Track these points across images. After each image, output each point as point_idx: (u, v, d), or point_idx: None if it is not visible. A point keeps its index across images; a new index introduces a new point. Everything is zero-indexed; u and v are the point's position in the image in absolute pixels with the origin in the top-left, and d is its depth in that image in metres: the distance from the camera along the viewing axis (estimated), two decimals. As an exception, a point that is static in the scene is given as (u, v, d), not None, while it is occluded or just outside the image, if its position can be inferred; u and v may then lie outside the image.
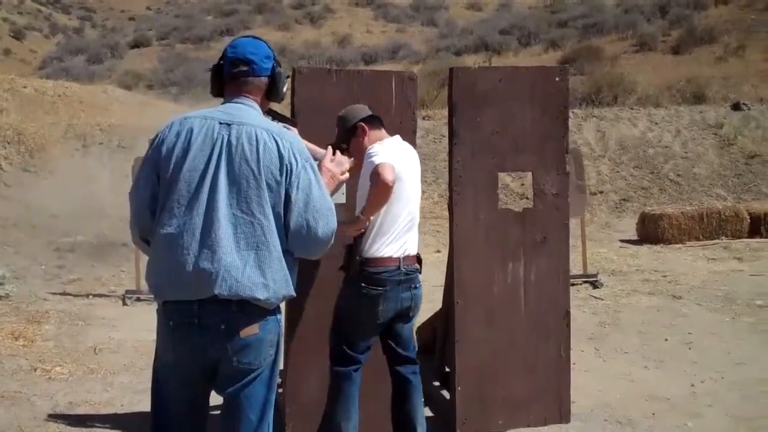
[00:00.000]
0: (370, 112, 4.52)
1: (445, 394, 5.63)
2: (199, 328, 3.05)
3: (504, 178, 13.24)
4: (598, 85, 21.29)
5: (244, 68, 3.26)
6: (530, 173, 5.28)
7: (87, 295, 8.66)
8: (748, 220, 11.56)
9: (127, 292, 8.56)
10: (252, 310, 3.08)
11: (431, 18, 51.49)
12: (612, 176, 14.69)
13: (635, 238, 12.21)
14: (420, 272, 4.46)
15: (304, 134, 4.90)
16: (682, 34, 33.34)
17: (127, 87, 31.67)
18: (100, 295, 8.70)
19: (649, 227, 11.85)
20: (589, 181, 13.67)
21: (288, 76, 3.45)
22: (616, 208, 13.98)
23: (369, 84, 5.04)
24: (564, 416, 5.34)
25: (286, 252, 3.15)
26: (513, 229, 5.18)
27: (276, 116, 3.67)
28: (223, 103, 3.27)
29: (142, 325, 7.60)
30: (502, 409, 5.25)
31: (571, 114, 15.67)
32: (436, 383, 5.82)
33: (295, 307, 5.02)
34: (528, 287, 5.21)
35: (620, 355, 6.73)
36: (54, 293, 8.80)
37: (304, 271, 4.96)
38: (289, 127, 3.71)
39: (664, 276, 9.51)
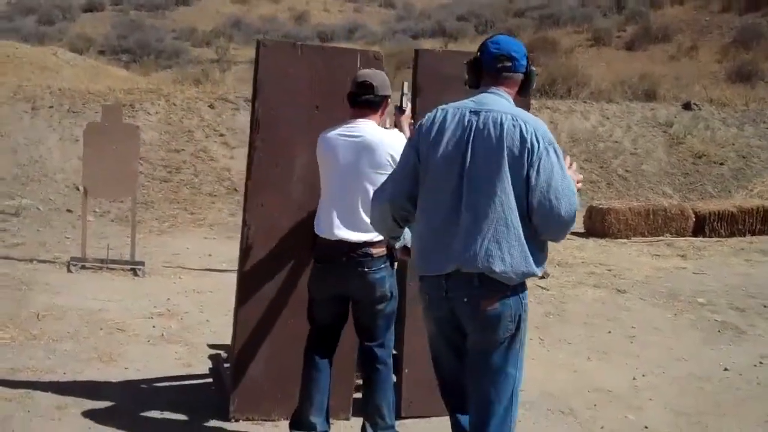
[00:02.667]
0: (358, 88, 4.45)
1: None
2: (447, 301, 3.41)
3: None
4: (553, 76, 21.41)
5: (508, 64, 3.53)
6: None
7: (31, 260, 8.51)
8: (693, 219, 11.75)
9: (72, 258, 8.43)
10: (492, 284, 3.33)
11: (389, 0, 51.31)
12: (562, 168, 14.78)
13: (582, 230, 12.33)
14: (389, 258, 4.42)
15: (267, 108, 4.89)
16: (637, 30, 33.69)
17: (77, 51, 31.11)
18: (44, 261, 8.55)
19: (596, 221, 11.97)
20: (539, 171, 13.72)
21: (537, 74, 3.71)
22: (565, 200, 14.08)
23: (333, 61, 5.00)
24: (509, 403, 5.38)
25: (530, 231, 3.36)
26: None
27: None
28: (478, 93, 3.55)
29: (86, 293, 7.51)
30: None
31: (525, 104, 15.74)
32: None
33: (245, 284, 4.99)
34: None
35: (564, 346, 6.81)
36: (-4, 256, 8.64)
37: (258, 248, 4.97)
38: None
39: (609, 270, 9.62)
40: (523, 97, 3.72)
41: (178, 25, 43.22)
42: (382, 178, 4.30)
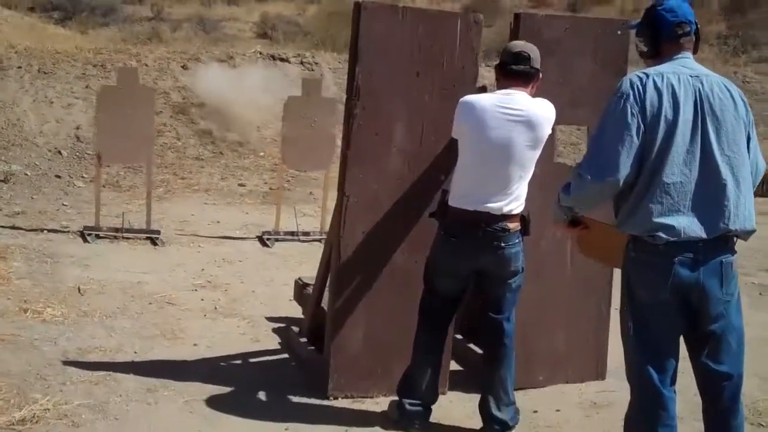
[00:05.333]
0: (513, 59, 4.29)
1: (473, 347, 5.50)
2: (697, 265, 3.41)
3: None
4: (504, 38, 21.29)
5: (687, 29, 3.59)
6: (586, 127, 5.19)
7: (41, 230, 8.10)
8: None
9: (86, 228, 8.06)
10: (733, 243, 3.49)
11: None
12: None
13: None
14: (522, 233, 4.31)
15: (367, 74, 4.67)
16: (578, -9, 33.80)
17: (6, 6, 29.90)
18: (54, 231, 8.15)
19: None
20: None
21: None
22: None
23: (434, 25, 4.79)
24: (600, 373, 5.33)
25: None
26: (566, 184, 5.05)
27: None
28: (671, 60, 3.55)
29: (115, 264, 7.22)
30: (544, 365, 5.21)
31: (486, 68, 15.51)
32: (459, 336, 5.63)
33: (343, 257, 4.80)
34: (575, 243, 5.10)
35: (616, 315, 6.73)
36: (3, 226, 8.20)
37: (357, 219, 4.78)
38: None
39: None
40: (695, 53, 3.67)
41: (108, -19, 41.86)
42: (534, 154, 4.20)
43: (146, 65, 13.80)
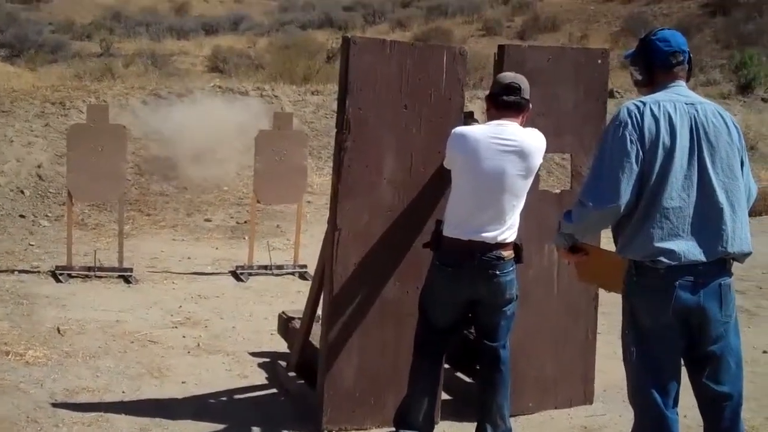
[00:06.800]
0: (504, 90, 4.37)
1: (461, 376, 5.54)
2: (696, 287, 3.50)
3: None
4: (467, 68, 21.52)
5: (681, 58, 3.71)
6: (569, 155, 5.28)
7: (12, 271, 7.98)
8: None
9: (58, 267, 7.95)
10: (729, 267, 3.59)
11: (271, -10, 50.66)
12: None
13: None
14: (516, 260, 4.37)
15: (357, 108, 4.71)
16: (526, 20, 34.33)
17: (-49, 46, 29.57)
18: (24, 271, 8.02)
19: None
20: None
21: None
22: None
23: (421, 58, 4.85)
24: (588, 397, 5.39)
25: None
26: (551, 211, 5.12)
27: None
28: (666, 88, 3.66)
29: (91, 304, 7.12)
30: (533, 390, 5.24)
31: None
32: (446, 365, 5.65)
33: (335, 289, 4.80)
34: (561, 269, 5.17)
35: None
36: (-30, 269, 8.06)
37: (348, 251, 4.79)
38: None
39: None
40: (687, 81, 3.78)
41: (55, 18, 41.62)
42: (526, 183, 4.26)
43: (104, 101, 13.69)
